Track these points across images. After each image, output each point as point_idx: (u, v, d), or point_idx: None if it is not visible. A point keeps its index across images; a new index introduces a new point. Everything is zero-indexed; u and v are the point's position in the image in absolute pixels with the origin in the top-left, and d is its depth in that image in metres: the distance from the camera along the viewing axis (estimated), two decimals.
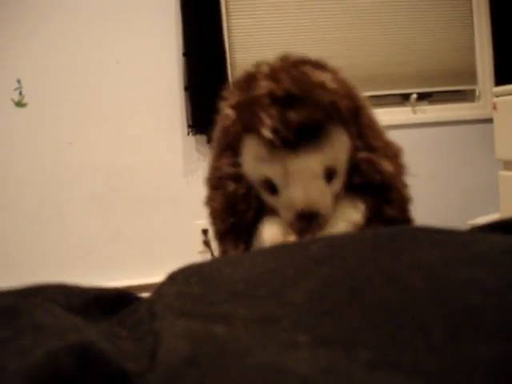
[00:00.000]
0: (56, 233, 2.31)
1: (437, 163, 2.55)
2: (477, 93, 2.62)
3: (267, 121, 0.48)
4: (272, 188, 0.52)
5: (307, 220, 0.50)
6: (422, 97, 2.59)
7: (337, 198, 0.53)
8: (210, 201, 0.57)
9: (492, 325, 0.20)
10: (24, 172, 2.29)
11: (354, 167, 0.53)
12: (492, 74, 2.55)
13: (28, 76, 2.28)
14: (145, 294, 0.36)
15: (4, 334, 0.21)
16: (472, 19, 2.60)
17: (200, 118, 2.29)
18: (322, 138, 0.50)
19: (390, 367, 0.19)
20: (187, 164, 2.41)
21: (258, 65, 0.55)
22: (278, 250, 0.38)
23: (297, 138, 0.48)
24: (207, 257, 2.30)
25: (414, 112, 2.58)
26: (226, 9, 2.42)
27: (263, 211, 0.54)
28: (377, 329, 0.21)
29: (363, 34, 2.52)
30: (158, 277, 0.35)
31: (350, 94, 0.52)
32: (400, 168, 0.56)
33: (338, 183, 0.52)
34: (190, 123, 2.33)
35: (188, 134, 2.36)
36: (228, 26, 2.43)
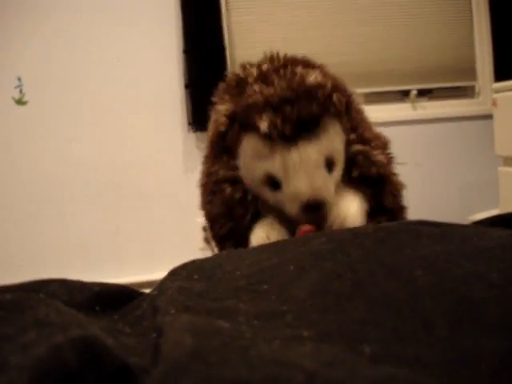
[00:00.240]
0: (57, 230, 2.31)
1: (436, 159, 2.55)
2: (476, 89, 2.61)
3: (264, 117, 0.49)
4: (274, 184, 0.52)
5: (313, 209, 0.50)
6: (422, 93, 2.58)
7: (337, 190, 0.53)
8: (206, 205, 0.58)
9: (494, 318, 0.20)
10: (24, 170, 2.28)
11: (350, 160, 0.54)
12: (492, 70, 2.54)
13: (28, 74, 2.27)
14: (146, 291, 0.36)
15: (7, 329, 0.21)
16: (471, 15, 2.59)
17: (200, 116, 2.29)
18: (319, 129, 0.51)
19: (393, 360, 0.19)
20: (188, 161, 2.40)
21: (245, 67, 0.55)
22: (280, 245, 0.38)
23: (294, 131, 0.49)
24: (208, 254, 2.30)
25: (414, 108, 2.58)
26: (226, 6, 2.41)
27: (261, 214, 0.55)
28: (380, 322, 0.21)
29: (363, 31, 2.51)
30: (158, 274, 0.35)
31: (340, 89, 0.54)
32: (390, 158, 0.58)
33: (337, 173, 0.53)
34: (191, 120, 2.33)
35: (188, 131, 2.36)
36: (228, 24, 2.42)
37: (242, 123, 0.51)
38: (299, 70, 0.52)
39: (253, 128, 0.50)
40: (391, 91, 2.59)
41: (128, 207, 2.36)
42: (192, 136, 2.41)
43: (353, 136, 0.54)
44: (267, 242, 0.51)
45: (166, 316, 0.24)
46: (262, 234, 0.53)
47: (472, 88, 2.66)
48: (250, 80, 0.52)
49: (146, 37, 2.35)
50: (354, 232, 0.32)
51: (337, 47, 2.50)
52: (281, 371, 0.17)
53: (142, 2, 2.35)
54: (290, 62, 0.53)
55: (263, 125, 0.49)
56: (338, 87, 0.53)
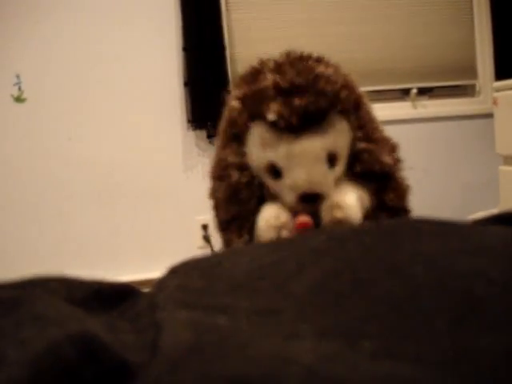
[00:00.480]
0: (56, 229, 2.31)
1: (437, 158, 2.55)
2: (477, 88, 2.61)
3: (273, 106, 0.50)
4: (276, 172, 0.53)
5: (309, 201, 0.52)
6: (422, 92, 2.58)
7: (337, 183, 0.54)
8: (214, 192, 0.58)
9: (495, 315, 0.20)
10: (22, 168, 2.28)
11: (354, 157, 0.55)
12: (492, 69, 2.55)
13: (27, 71, 2.27)
14: (145, 290, 0.36)
15: (5, 324, 0.21)
16: (472, 14, 2.59)
17: (200, 113, 2.29)
18: (325, 124, 0.52)
19: (393, 357, 0.19)
20: (187, 159, 2.40)
21: (263, 60, 0.57)
22: (280, 242, 0.38)
23: (300, 122, 0.51)
24: (207, 252, 2.30)
25: (414, 107, 2.58)
26: (226, 4, 2.41)
27: (266, 200, 0.55)
28: (380, 319, 0.21)
29: (363, 29, 2.51)
30: (157, 272, 0.35)
31: (351, 87, 0.55)
32: (397, 162, 0.58)
33: (339, 169, 0.54)
34: (190, 118, 2.33)
35: (188, 129, 2.36)
36: (228, 21, 2.42)
37: (250, 110, 0.53)
38: (312, 63, 0.54)
39: (261, 116, 0.52)
40: (391, 89, 2.59)
41: (127, 205, 2.36)
42: (191, 134, 2.41)
43: (359, 134, 0.55)
44: (276, 221, 0.52)
45: (164, 312, 0.24)
46: (269, 214, 0.53)
47: (472, 87, 2.66)
48: (265, 70, 0.54)
49: (146, 34, 2.35)
50: (354, 229, 0.32)
51: (337, 45, 2.49)
52: (280, 366, 0.17)
53: (142, 0, 2.35)
54: (306, 58, 0.55)
55: (271, 114, 0.50)
56: (348, 85, 0.54)
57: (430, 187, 2.48)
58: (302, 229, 0.51)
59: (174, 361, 0.18)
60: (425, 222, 0.30)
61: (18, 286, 0.28)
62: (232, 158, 0.55)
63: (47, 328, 0.20)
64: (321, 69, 0.53)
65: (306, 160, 0.51)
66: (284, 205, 0.54)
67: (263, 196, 0.55)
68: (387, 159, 0.55)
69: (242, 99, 0.54)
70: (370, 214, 0.54)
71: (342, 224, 0.49)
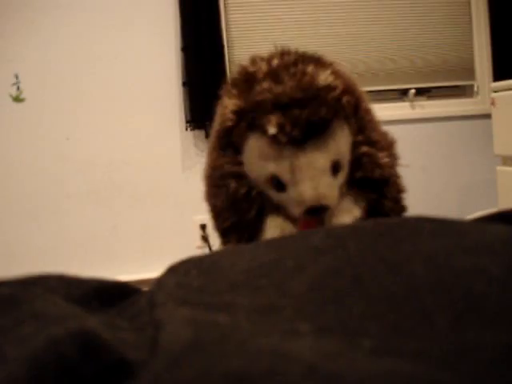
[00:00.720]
0: (54, 227, 2.30)
1: (435, 158, 2.56)
2: (475, 88, 2.62)
3: (272, 119, 0.48)
4: (279, 185, 0.52)
5: (316, 213, 0.51)
6: (421, 92, 2.59)
7: (340, 192, 0.53)
8: (210, 197, 0.57)
9: (495, 312, 0.20)
10: (21, 167, 2.28)
11: (355, 161, 0.54)
12: (490, 70, 2.55)
13: (26, 71, 2.27)
14: (144, 289, 0.36)
15: (4, 322, 0.21)
16: (470, 15, 2.60)
17: (198, 113, 2.29)
18: (327, 133, 0.51)
19: (393, 354, 0.19)
20: (185, 159, 2.40)
21: (254, 61, 0.55)
22: (279, 241, 0.37)
23: (303, 135, 0.49)
24: (206, 252, 2.30)
25: (413, 107, 2.58)
26: (224, 4, 2.41)
27: (266, 209, 0.55)
28: (380, 317, 0.21)
29: (361, 30, 2.51)
30: (156, 272, 0.35)
31: (350, 89, 0.53)
32: (394, 158, 0.58)
33: (342, 175, 0.54)
34: (188, 118, 2.33)
35: (186, 129, 2.36)
36: (226, 21, 2.42)
37: (249, 122, 0.51)
38: (310, 69, 0.51)
39: (260, 128, 0.50)
40: (390, 90, 2.60)
41: (125, 205, 2.36)
42: (189, 134, 2.41)
43: (360, 137, 0.54)
44: (282, 233, 0.52)
45: (164, 310, 0.24)
46: (277, 228, 0.53)
47: (471, 87, 2.66)
48: (259, 76, 0.52)
49: (144, 34, 2.35)
50: (353, 227, 0.32)
51: (335, 46, 2.50)
52: (280, 364, 0.17)
53: (140, 0, 2.35)
54: (301, 60, 0.52)
55: (271, 128, 0.48)
56: (348, 88, 0.52)
57: (428, 187, 2.48)
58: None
59: (174, 358, 0.18)
60: (425, 220, 0.30)
61: (17, 284, 0.28)
62: (229, 168, 0.54)
63: (47, 325, 0.20)
64: (319, 75, 0.50)
65: (312, 173, 0.50)
66: (288, 215, 0.53)
67: (263, 204, 0.54)
68: (385, 159, 0.55)
69: (238, 112, 0.51)
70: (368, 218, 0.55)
71: None
